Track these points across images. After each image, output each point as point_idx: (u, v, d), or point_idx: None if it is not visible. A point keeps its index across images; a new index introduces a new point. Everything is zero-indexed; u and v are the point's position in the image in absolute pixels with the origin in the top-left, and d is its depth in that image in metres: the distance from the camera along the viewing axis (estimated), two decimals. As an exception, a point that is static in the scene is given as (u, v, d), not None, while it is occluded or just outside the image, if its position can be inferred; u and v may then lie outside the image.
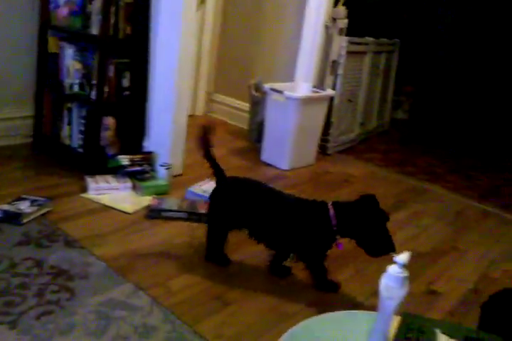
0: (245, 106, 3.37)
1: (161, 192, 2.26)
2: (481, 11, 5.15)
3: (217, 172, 1.80)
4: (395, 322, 0.87)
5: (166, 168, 2.35)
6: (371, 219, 1.55)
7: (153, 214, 2.03)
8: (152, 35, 2.43)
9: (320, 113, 2.90)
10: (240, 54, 3.55)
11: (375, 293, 1.59)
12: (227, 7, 3.57)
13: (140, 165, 2.37)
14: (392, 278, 0.81)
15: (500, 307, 1.43)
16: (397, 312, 0.90)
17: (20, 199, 1.92)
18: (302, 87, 3.03)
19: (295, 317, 1.51)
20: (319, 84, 3.11)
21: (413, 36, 4.84)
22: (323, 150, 3.15)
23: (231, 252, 1.85)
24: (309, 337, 0.89)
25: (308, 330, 0.91)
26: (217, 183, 1.80)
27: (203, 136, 1.79)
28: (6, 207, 1.84)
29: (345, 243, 1.97)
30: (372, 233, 1.55)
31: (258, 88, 3.12)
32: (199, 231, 1.98)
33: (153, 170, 2.39)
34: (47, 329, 1.30)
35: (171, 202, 2.11)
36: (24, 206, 1.86)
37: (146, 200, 2.15)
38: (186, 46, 2.38)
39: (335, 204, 1.61)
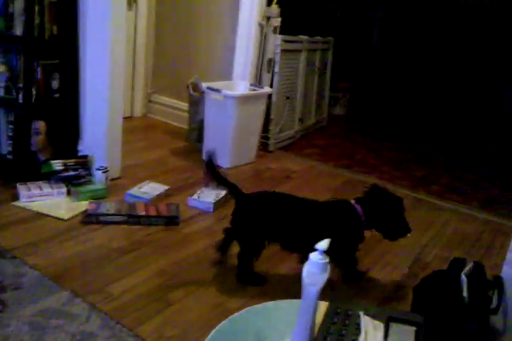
0: (185, 106, 3.35)
1: (98, 197, 2.21)
2: (411, 8, 5.40)
3: (234, 191, 1.76)
4: (323, 307, 0.91)
5: (103, 172, 2.30)
6: (394, 208, 1.67)
7: (89, 219, 1.98)
8: (81, 34, 2.36)
9: (259, 111, 2.94)
10: (177, 54, 3.52)
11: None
12: (160, 6, 3.53)
13: (75, 169, 2.30)
14: (314, 265, 0.85)
15: (430, 288, 1.52)
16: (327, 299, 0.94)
17: None
18: (240, 85, 3.05)
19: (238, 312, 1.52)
20: (257, 82, 3.15)
21: (346, 34, 5.01)
22: (264, 147, 3.19)
23: (174, 251, 1.84)
24: (236, 330, 0.90)
25: (236, 324, 0.93)
26: (237, 202, 1.75)
27: (208, 161, 1.75)
28: None
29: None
30: (395, 220, 1.67)
31: (196, 87, 3.11)
32: (138, 233, 1.96)
33: (89, 175, 2.33)
34: (-24, 345, 1.24)
35: (109, 206, 2.07)
36: None
37: (83, 205, 2.09)
38: (117, 46, 2.33)
39: (358, 200, 1.69)
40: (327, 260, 0.84)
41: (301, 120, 3.60)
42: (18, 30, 2.27)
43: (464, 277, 1.45)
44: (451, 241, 2.21)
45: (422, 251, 2.08)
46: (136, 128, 3.38)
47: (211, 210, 2.23)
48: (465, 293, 1.40)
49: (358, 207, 1.67)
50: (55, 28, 2.31)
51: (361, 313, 0.89)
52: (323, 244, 0.84)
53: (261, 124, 3.03)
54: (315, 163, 3.13)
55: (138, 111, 3.67)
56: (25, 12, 2.18)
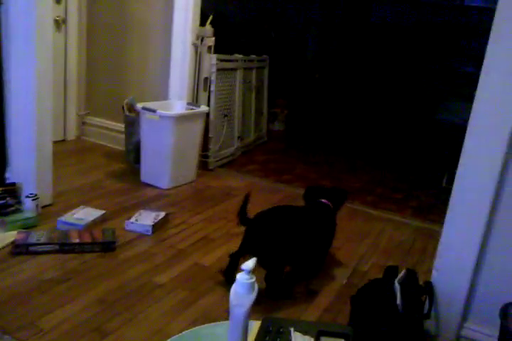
0: (120, 127, 3.29)
1: (29, 225, 2.10)
2: (342, 25, 5.67)
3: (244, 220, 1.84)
4: (256, 327, 0.90)
5: (33, 199, 2.19)
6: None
7: (18, 249, 1.87)
8: (5, 58, 2.27)
9: (196, 129, 2.93)
10: (110, 74, 3.46)
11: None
12: (91, 27, 3.47)
13: (3, 198, 2.18)
14: (241, 285, 0.85)
15: (366, 297, 1.56)
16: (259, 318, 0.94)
17: None
18: (176, 104, 3.04)
19: (176, 338, 1.49)
20: (194, 101, 3.15)
21: (281, 51, 5.16)
22: (204, 165, 3.18)
23: (111, 278, 1.78)
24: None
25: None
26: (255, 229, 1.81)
27: (243, 204, 1.84)
28: None
29: (226, 258, 2.01)
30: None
31: (131, 108, 3.07)
32: (72, 262, 1.88)
33: (18, 203, 2.21)
34: None
35: (39, 235, 1.97)
36: None
37: (12, 236, 1.98)
38: (44, 67, 2.25)
39: (327, 197, 2.03)
40: (254, 279, 0.85)
41: (240, 137, 3.63)
42: None
43: (397, 284, 1.50)
44: (387, 250, 2.29)
45: (359, 261, 2.14)
46: (70, 152, 3.27)
47: (150, 233, 2.18)
48: (399, 301, 1.45)
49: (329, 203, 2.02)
50: (-25, 51, 2.22)
51: (292, 330, 0.89)
52: (250, 264, 0.84)
53: (199, 143, 3.03)
54: (256, 180, 3.16)
55: (71, 134, 3.55)
56: None
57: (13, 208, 2.17)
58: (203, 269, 1.94)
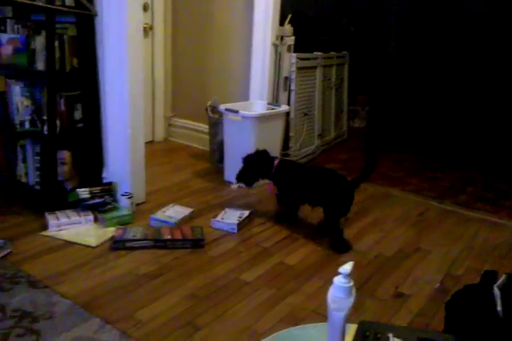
0: (205, 128, 3.40)
1: (124, 222, 2.24)
2: (426, 16, 5.39)
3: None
4: (352, 330, 0.89)
5: (128, 198, 2.34)
6: None
7: (117, 245, 2.01)
8: (100, 65, 2.44)
9: (277, 129, 2.95)
10: (194, 77, 3.59)
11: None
12: (176, 31, 3.62)
13: (101, 196, 2.34)
14: (339, 289, 0.84)
15: (463, 304, 1.48)
16: (360, 319, 0.92)
17: (-23, 243, 1.87)
18: (257, 104, 3.09)
19: (266, 335, 1.51)
20: (274, 101, 3.18)
21: (361, 47, 5.03)
22: (284, 164, 3.19)
23: (202, 274, 1.84)
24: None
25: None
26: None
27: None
28: (-38, 253, 1.78)
29: (311, 257, 2.02)
30: None
31: (214, 109, 3.16)
32: (165, 257, 1.97)
33: (114, 201, 2.37)
34: (12, 377, 1.26)
35: (135, 231, 2.09)
36: (-19, 250, 1.81)
37: (110, 232, 2.13)
38: (136, 74, 2.39)
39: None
40: (352, 283, 0.83)
41: (320, 135, 3.60)
42: (40, 65, 2.36)
43: (497, 290, 1.40)
44: (482, 253, 2.15)
45: (452, 265, 2.03)
46: (158, 153, 3.44)
47: (235, 231, 2.23)
48: (499, 307, 1.35)
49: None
50: (75, 60, 2.40)
51: (391, 336, 0.87)
52: (348, 267, 0.83)
53: (280, 142, 3.05)
54: (337, 178, 3.10)
55: (159, 136, 3.74)
56: (46, 47, 2.26)
57: (110, 206, 2.32)
58: (288, 268, 1.95)
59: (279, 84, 3.21)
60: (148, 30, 3.48)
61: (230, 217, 2.29)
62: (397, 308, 1.71)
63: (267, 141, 2.86)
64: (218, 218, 2.29)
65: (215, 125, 3.14)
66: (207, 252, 2.04)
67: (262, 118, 2.80)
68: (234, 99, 3.21)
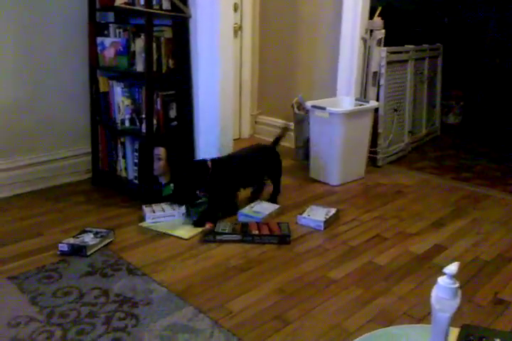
0: (290, 125, 3.41)
1: (214, 216, 2.32)
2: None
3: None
4: (454, 334, 0.85)
5: (217, 192, 2.41)
6: None
7: (208, 238, 2.09)
8: (194, 65, 2.54)
9: (365, 125, 2.88)
10: (280, 74, 3.62)
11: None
12: (264, 30, 3.67)
13: (192, 191, 2.44)
14: (443, 290, 0.80)
15: None
16: (457, 324, 0.88)
17: (84, 232, 2.04)
18: (345, 101, 3.03)
19: (357, 334, 1.48)
20: (362, 97, 3.11)
21: (456, 39, 4.73)
22: (373, 162, 3.11)
23: (289, 270, 1.86)
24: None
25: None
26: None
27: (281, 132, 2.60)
28: (71, 240, 1.96)
29: (402, 258, 1.94)
30: None
31: (300, 106, 3.16)
32: (253, 251, 2.01)
33: (205, 196, 2.46)
34: (116, 355, 1.36)
35: (225, 225, 2.16)
36: (88, 238, 1.98)
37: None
38: (226, 73, 2.47)
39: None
40: (457, 284, 0.79)
41: (411, 132, 3.45)
42: (139, 66, 2.51)
43: None
44: None
45: (562, 273, 1.85)
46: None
47: (321, 228, 2.22)
48: None
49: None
50: (171, 61, 2.53)
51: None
52: (453, 268, 0.79)
53: (369, 139, 2.97)
54: (429, 177, 2.96)
55: (245, 133, 3.82)
56: (145, 49, 2.41)
57: (201, 200, 2.42)
58: (378, 268, 1.90)
59: (368, 79, 3.13)
60: (237, 30, 3.56)
61: (317, 214, 2.28)
62: (496, 315, 1.59)
63: (354, 138, 2.81)
64: (304, 215, 2.28)
65: (301, 122, 3.14)
66: (293, 248, 2.05)
67: (349, 115, 2.74)
68: (320, 95, 3.19)
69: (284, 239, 2.08)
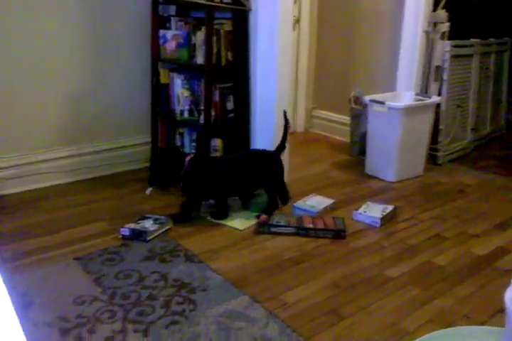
0: (346, 119, 3.36)
1: (268, 209, 2.33)
2: None
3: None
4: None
5: (272, 185, 2.42)
6: None
7: (262, 229, 2.10)
8: (252, 58, 2.55)
9: (426, 121, 2.79)
10: (337, 68, 3.56)
11: (500, 310, 1.48)
12: (322, 22, 3.62)
13: (247, 182, 2.46)
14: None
15: None
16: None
17: (144, 218, 2.11)
18: (404, 95, 2.95)
19: (414, 334, 1.45)
20: (423, 92, 3.00)
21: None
22: (432, 159, 3.01)
23: (343, 265, 1.84)
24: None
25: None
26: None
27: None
28: (132, 225, 2.03)
29: (463, 259, 1.88)
30: None
31: (358, 100, 3.10)
32: (307, 245, 2.00)
33: (260, 188, 2.47)
34: (174, 338, 1.40)
35: (279, 218, 2.16)
36: (148, 224, 2.04)
37: (255, 217, 2.23)
38: (284, 66, 2.46)
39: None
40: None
41: (474, 129, 3.30)
42: (199, 59, 2.55)
43: None
44: None
45: None
46: (299, 143, 3.49)
47: (378, 225, 2.17)
48: None
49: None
50: (230, 54, 2.55)
51: None
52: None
53: (429, 135, 2.87)
54: (493, 177, 2.83)
55: (300, 126, 3.80)
56: (205, 42, 2.44)
57: (255, 192, 2.43)
58: (437, 268, 1.84)
59: (430, 73, 3.02)
60: (295, 22, 3.53)
61: (373, 211, 2.24)
62: None
63: (414, 134, 2.72)
64: (360, 211, 2.25)
65: (358, 116, 3.08)
66: (348, 244, 2.03)
67: (409, 110, 2.66)
68: (378, 89, 3.11)
69: (339, 234, 2.06)
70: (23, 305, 1.50)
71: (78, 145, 2.69)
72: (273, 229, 2.09)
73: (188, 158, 2.12)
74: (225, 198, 2.22)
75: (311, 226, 2.09)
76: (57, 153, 2.63)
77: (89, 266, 1.77)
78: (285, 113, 2.33)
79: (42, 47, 2.46)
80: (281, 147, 2.31)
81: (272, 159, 2.25)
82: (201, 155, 2.24)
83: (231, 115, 2.61)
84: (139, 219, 2.09)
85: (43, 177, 2.60)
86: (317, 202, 2.36)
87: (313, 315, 1.55)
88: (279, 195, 2.32)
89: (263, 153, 2.28)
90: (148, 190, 2.25)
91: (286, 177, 2.59)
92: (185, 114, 2.65)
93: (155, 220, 2.08)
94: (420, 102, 2.78)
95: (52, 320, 1.45)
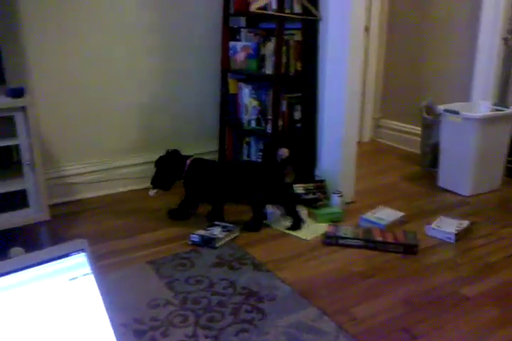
0: (415, 129, 3.26)
1: (335, 220, 2.30)
2: None
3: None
4: None
5: (339, 196, 2.39)
6: None
7: (330, 241, 2.07)
8: (320, 68, 2.55)
9: (504, 133, 2.64)
10: (407, 76, 3.47)
11: None
12: (392, 29, 3.55)
13: (313, 193, 2.45)
14: None
15: None
16: None
17: (213, 225, 2.15)
18: (480, 105, 2.81)
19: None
20: (500, 102, 2.85)
21: None
22: (510, 172, 2.84)
23: (415, 282, 1.77)
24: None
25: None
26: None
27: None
28: (202, 232, 2.08)
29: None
30: None
31: (429, 110, 2.99)
32: (376, 259, 1.95)
33: (326, 198, 2.45)
34: (243, 346, 1.41)
35: (346, 230, 2.13)
36: (217, 231, 2.08)
37: (322, 227, 2.21)
38: (353, 75, 2.42)
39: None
40: None
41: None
42: (268, 69, 2.58)
43: None
44: None
45: None
46: (366, 153, 3.43)
47: (452, 241, 2.07)
48: None
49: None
50: (298, 64, 2.56)
51: None
52: None
53: (507, 148, 2.71)
54: None
55: (366, 136, 3.73)
56: (275, 53, 2.46)
57: (321, 203, 2.41)
58: (520, 289, 1.72)
59: (509, 83, 2.87)
60: (364, 31, 3.49)
61: (447, 226, 2.14)
62: None
63: (491, 146, 2.59)
64: (433, 225, 2.16)
65: (429, 127, 2.97)
66: (420, 259, 1.95)
67: (486, 121, 2.53)
68: (451, 99, 2.99)
69: (410, 249, 1.99)
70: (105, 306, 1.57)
71: (152, 152, 2.80)
72: (341, 241, 2.06)
73: (188, 161, 2.25)
74: (219, 201, 2.28)
75: (380, 239, 2.04)
76: (133, 160, 2.76)
77: (161, 270, 1.83)
78: (266, 147, 2.46)
79: (125, 62, 2.61)
80: (284, 162, 2.36)
81: (270, 173, 2.18)
82: (201, 159, 2.33)
83: (298, 125, 2.62)
84: (208, 226, 2.14)
85: (120, 183, 2.74)
86: (386, 214, 2.30)
87: (384, 332, 1.50)
88: (290, 214, 2.22)
89: (262, 165, 2.36)
90: (152, 192, 2.33)
91: (352, 188, 2.55)
92: (253, 124, 2.69)
93: (223, 227, 2.12)
94: (498, 112, 2.64)
95: (128, 322, 1.51)
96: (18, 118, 1.88)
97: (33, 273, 0.77)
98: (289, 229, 2.20)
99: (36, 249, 2.02)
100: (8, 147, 2.05)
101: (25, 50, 2.35)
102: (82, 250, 0.82)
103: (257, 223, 2.20)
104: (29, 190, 1.96)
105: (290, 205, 2.22)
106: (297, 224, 2.20)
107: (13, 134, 1.92)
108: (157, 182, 2.30)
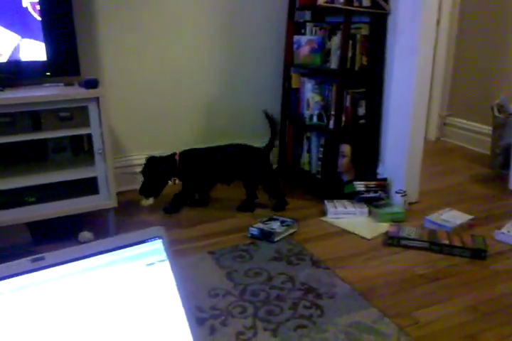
0: (485, 129, 3.10)
1: (397, 220, 2.23)
2: None
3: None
4: None
5: (402, 195, 2.32)
6: None
7: (392, 241, 2.01)
8: (387, 63, 2.47)
9: None
10: (479, 73, 3.29)
11: None
12: (463, 23, 3.38)
13: (375, 191, 2.39)
14: None
15: None
16: None
17: (271, 219, 2.16)
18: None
19: None
20: None
21: None
22: None
23: (483, 288, 1.69)
24: None
25: None
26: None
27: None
28: (261, 225, 2.09)
29: None
30: None
31: (502, 108, 2.83)
32: (441, 262, 1.88)
33: (388, 197, 2.39)
34: (302, 342, 1.40)
35: (409, 230, 2.06)
36: (275, 226, 2.08)
37: (382, 227, 2.15)
38: (423, 71, 2.33)
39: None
40: None
41: None
42: (333, 64, 2.54)
43: None
44: None
45: None
46: (431, 152, 3.30)
47: (525, 247, 1.96)
48: None
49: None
50: (364, 59, 2.49)
51: None
52: None
53: None
54: None
55: (431, 135, 3.59)
56: (341, 47, 2.41)
57: (383, 201, 2.35)
58: None
59: None
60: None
61: (519, 231, 2.02)
62: None
63: None
64: (504, 230, 2.04)
65: (502, 126, 2.81)
66: (489, 265, 1.85)
67: None
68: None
69: (478, 254, 1.89)
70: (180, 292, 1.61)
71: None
72: (403, 242, 2.00)
73: (177, 157, 2.33)
74: (206, 186, 2.42)
75: (446, 242, 1.95)
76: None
77: (221, 261, 1.86)
78: (266, 112, 2.41)
79: (190, 57, 2.67)
80: (269, 145, 2.39)
81: (257, 155, 2.35)
82: (188, 149, 2.39)
83: (362, 121, 2.56)
84: (267, 220, 2.15)
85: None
86: (453, 216, 2.20)
87: (448, 338, 1.44)
88: (272, 196, 2.39)
89: (250, 148, 2.39)
90: (147, 202, 2.39)
91: (416, 187, 2.47)
92: (314, 119, 2.65)
93: (282, 222, 2.12)
94: None
95: (190, 308, 1.54)
96: (92, 108, 1.97)
97: (111, 258, 0.80)
98: (272, 209, 2.34)
99: (103, 234, 2.11)
100: (80, 136, 2.16)
101: (99, 44, 2.45)
102: (159, 237, 0.84)
103: (251, 204, 2.36)
104: (99, 178, 2.05)
105: (274, 186, 2.38)
106: (282, 206, 2.36)
107: (85, 124, 2.01)
108: (147, 190, 2.34)
